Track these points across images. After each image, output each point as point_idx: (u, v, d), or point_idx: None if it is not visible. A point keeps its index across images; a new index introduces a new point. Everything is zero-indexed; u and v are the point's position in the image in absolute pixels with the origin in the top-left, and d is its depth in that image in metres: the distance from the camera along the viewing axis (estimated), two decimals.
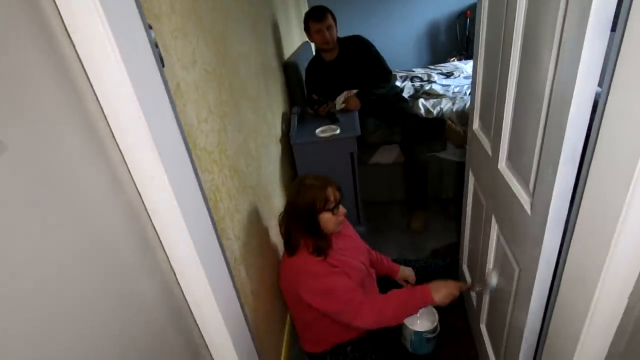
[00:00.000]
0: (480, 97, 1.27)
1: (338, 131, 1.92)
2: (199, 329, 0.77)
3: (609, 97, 0.54)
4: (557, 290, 0.77)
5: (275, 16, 2.15)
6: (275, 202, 1.65)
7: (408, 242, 2.18)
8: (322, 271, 1.16)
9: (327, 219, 1.21)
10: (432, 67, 3.31)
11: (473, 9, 3.96)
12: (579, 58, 0.58)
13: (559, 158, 0.66)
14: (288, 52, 2.50)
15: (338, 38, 2.18)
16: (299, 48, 2.81)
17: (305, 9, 3.79)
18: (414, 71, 3.26)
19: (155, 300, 0.68)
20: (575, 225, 0.68)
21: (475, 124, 1.34)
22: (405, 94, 2.64)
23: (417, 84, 2.88)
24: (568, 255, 0.72)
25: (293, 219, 1.22)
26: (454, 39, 4.14)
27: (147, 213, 0.65)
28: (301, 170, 2.01)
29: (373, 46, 2.22)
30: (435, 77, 2.88)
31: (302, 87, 2.32)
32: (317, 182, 1.21)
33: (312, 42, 2.18)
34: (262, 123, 1.57)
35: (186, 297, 0.73)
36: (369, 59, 2.19)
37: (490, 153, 1.12)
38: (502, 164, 1.03)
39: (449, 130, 2.04)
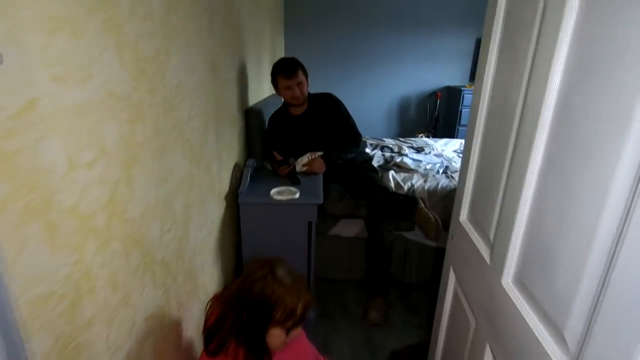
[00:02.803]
0: (472, 183, 1.05)
1: (297, 195, 1.62)
2: None
3: None
4: None
5: (244, 60, 1.93)
6: (202, 280, 1.26)
7: (363, 336, 1.82)
8: None
9: (277, 336, 0.83)
10: (402, 139, 3.23)
11: (443, 91, 4.08)
12: None
13: None
14: (254, 99, 2.27)
15: (308, 93, 1.99)
16: (267, 98, 2.60)
17: None
18: (384, 140, 3.15)
19: None
20: None
21: (463, 215, 1.09)
22: (375, 163, 2.46)
23: (388, 154, 2.73)
24: None
25: (235, 309, 0.84)
26: (423, 117, 4.20)
27: None
28: (246, 237, 1.66)
29: (344, 107, 2.05)
30: (406, 150, 2.76)
31: (264, 138, 2.05)
32: (291, 283, 0.84)
33: (279, 95, 1.97)
34: (203, 175, 1.24)
35: None
36: (339, 119, 2.00)
37: (488, 260, 0.86)
38: (509, 280, 0.77)
39: (419, 214, 1.81)
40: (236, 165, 1.77)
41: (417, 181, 2.16)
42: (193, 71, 1.11)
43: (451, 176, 2.23)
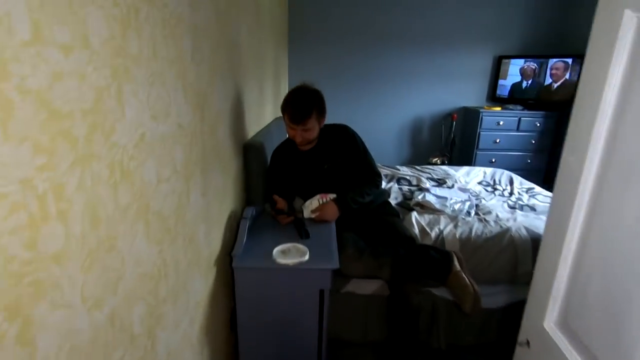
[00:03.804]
0: (568, 277, 0.72)
1: (307, 257, 1.29)
2: None
3: None
4: None
5: (242, 86, 1.64)
6: None
7: None
8: None
9: None
10: (418, 167, 2.92)
11: (459, 113, 3.79)
12: None
13: None
14: (255, 128, 1.97)
15: None
16: (271, 124, 2.30)
17: (285, 84, 3.43)
18: (398, 169, 2.84)
19: None
20: None
21: (550, 319, 0.77)
22: (392, 200, 2.14)
23: (406, 187, 2.41)
24: None
25: None
26: (437, 139, 3.90)
27: None
28: (243, 307, 1.32)
29: (361, 141, 1.74)
30: (427, 183, 2.43)
31: (267, 176, 1.73)
32: None
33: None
34: (182, 251, 0.92)
35: None
36: (355, 156, 1.68)
37: None
38: None
39: (454, 278, 1.46)
40: (231, 215, 1.45)
41: (445, 226, 1.83)
42: (167, 114, 0.80)
43: (484, 219, 1.90)
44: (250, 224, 1.47)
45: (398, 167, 2.93)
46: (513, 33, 3.60)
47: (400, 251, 1.53)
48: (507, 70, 3.60)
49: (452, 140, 3.73)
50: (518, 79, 3.55)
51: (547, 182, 3.67)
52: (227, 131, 1.37)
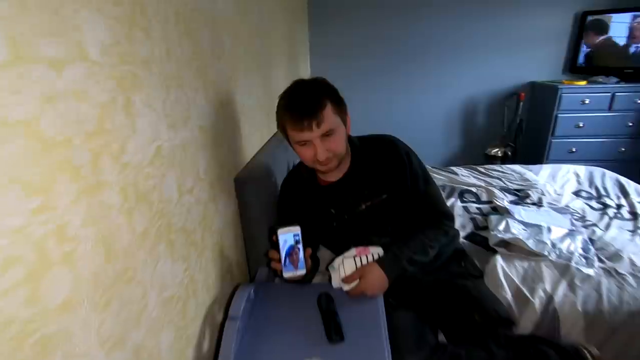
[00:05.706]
0: None
1: None
2: None
3: None
4: None
5: (231, 90, 1.04)
6: None
7: None
8: None
9: None
10: (481, 169, 2.22)
11: (527, 91, 2.99)
12: None
13: None
14: (256, 145, 1.39)
15: (352, 140, 1.08)
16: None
17: (306, 67, 2.79)
18: (456, 174, 2.15)
19: None
20: None
21: None
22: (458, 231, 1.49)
23: (474, 206, 1.73)
24: None
25: None
26: (497, 125, 3.13)
27: None
28: None
29: (419, 163, 1.11)
30: (504, 200, 1.75)
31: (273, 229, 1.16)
32: None
33: (295, 151, 1.05)
34: None
35: None
36: (411, 188, 1.06)
37: None
38: None
39: None
40: (217, 301, 0.89)
41: (553, 285, 1.17)
42: None
43: (615, 271, 1.21)
44: (249, 310, 0.91)
45: (454, 169, 2.24)
46: None
47: (498, 351, 0.91)
48: None
49: (519, 126, 2.96)
50: None
51: None
52: (197, 173, 0.79)
